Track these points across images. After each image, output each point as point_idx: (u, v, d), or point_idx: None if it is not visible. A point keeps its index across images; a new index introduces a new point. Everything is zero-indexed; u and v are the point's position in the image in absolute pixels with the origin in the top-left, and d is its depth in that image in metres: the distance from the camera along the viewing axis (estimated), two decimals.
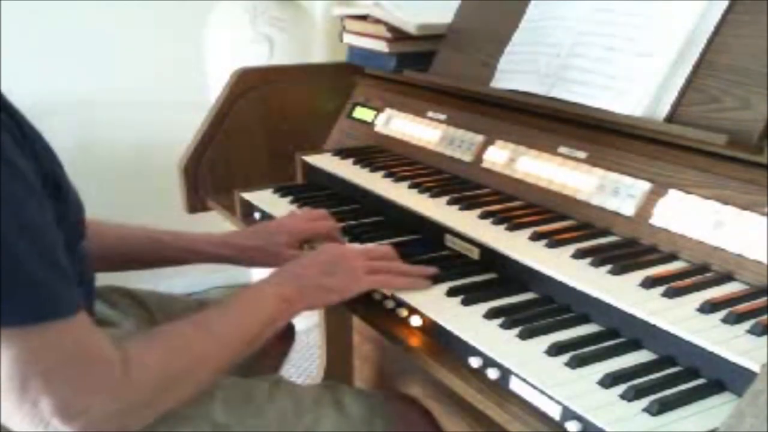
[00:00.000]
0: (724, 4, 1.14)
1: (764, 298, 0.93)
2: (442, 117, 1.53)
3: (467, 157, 1.43)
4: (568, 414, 0.82)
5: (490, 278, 1.13)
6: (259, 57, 2.44)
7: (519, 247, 1.11)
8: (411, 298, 1.07)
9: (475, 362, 0.94)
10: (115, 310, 1.24)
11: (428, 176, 1.43)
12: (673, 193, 1.09)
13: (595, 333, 0.97)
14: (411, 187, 1.38)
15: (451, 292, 1.07)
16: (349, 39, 1.77)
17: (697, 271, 1.01)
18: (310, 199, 1.47)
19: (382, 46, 1.65)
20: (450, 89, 1.54)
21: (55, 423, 0.78)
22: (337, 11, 1.81)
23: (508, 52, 1.45)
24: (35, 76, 2.46)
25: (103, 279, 1.14)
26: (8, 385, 0.76)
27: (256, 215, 1.49)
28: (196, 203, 1.70)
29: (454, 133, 1.48)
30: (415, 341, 1.03)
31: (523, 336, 0.95)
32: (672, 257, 1.06)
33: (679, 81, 1.16)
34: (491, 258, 1.14)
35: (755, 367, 0.79)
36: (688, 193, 1.08)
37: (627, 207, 1.14)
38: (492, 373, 0.92)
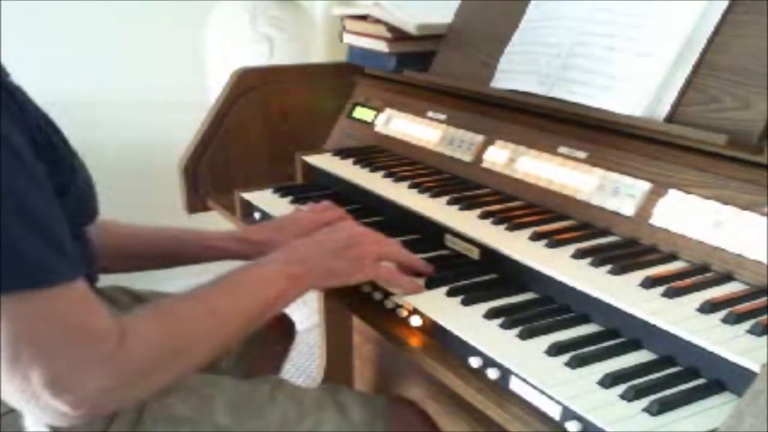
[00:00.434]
0: (724, 4, 1.14)
1: (764, 298, 0.93)
2: (442, 117, 1.53)
3: (467, 157, 1.43)
4: (568, 414, 0.82)
5: (490, 278, 1.13)
6: (259, 57, 2.44)
7: (519, 247, 1.11)
8: (411, 298, 1.06)
9: (475, 362, 0.94)
10: (117, 309, 1.24)
11: (428, 176, 1.43)
12: (673, 193, 1.09)
13: (595, 333, 0.97)
14: (411, 187, 1.38)
15: (451, 292, 1.07)
16: (349, 39, 1.77)
17: (697, 271, 1.01)
18: (310, 200, 1.47)
19: (382, 46, 1.65)
20: (450, 89, 1.54)
21: (45, 396, 0.77)
22: (337, 11, 1.81)
23: (508, 52, 1.45)
24: (35, 76, 2.46)
25: (105, 279, 1.14)
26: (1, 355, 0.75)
27: (256, 215, 1.49)
28: (196, 203, 1.70)
29: (454, 133, 1.48)
30: (415, 341, 1.03)
31: (523, 336, 0.95)
32: (672, 257, 1.06)
33: (679, 81, 1.16)
34: (491, 258, 1.14)
35: (755, 367, 0.79)
36: (688, 193, 1.08)
37: (627, 207, 1.14)
38: (492, 373, 0.92)
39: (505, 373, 0.90)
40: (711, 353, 0.85)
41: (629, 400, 0.82)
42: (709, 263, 1.02)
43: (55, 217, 0.80)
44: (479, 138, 1.43)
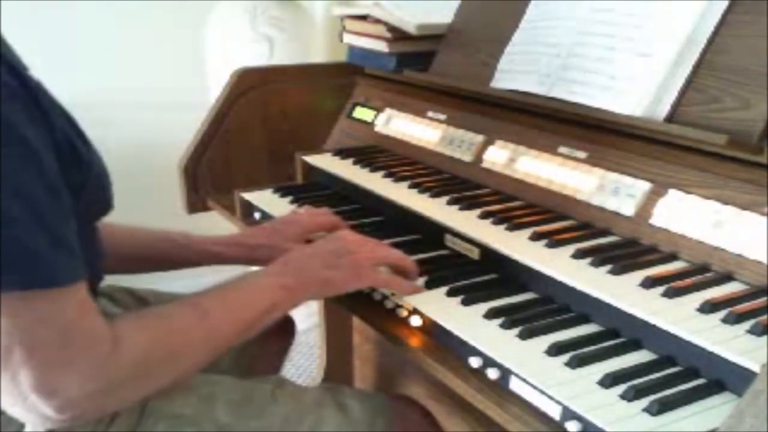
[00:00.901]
0: (724, 4, 1.14)
1: (764, 298, 0.93)
2: (442, 117, 1.53)
3: (467, 157, 1.43)
4: (568, 414, 0.82)
5: (490, 278, 1.13)
6: (259, 57, 2.44)
7: (519, 247, 1.11)
8: (411, 298, 1.06)
9: (475, 362, 0.94)
10: (119, 308, 1.24)
11: (428, 176, 1.43)
12: (673, 193, 1.09)
13: (595, 333, 0.97)
14: (411, 187, 1.38)
15: (451, 292, 1.07)
16: (349, 39, 1.77)
17: (697, 271, 1.01)
18: (310, 199, 1.47)
19: (382, 46, 1.65)
20: (450, 89, 1.54)
21: (32, 398, 0.77)
22: (337, 11, 1.81)
23: (508, 52, 1.45)
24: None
25: (106, 279, 1.13)
26: None
27: (256, 215, 1.49)
28: (196, 203, 1.70)
29: (454, 133, 1.48)
30: (415, 341, 1.03)
31: (523, 336, 0.95)
32: (672, 257, 1.06)
33: (679, 81, 1.16)
34: (491, 258, 1.14)
35: (755, 367, 0.79)
36: (688, 193, 1.08)
37: (627, 207, 1.14)
38: (492, 373, 0.92)
39: (505, 373, 0.90)
40: (711, 353, 0.85)
41: (629, 400, 0.82)
42: (709, 263, 1.02)
43: (66, 219, 0.81)
44: (479, 138, 1.43)
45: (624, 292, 0.96)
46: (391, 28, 1.62)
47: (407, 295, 1.07)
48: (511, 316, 0.99)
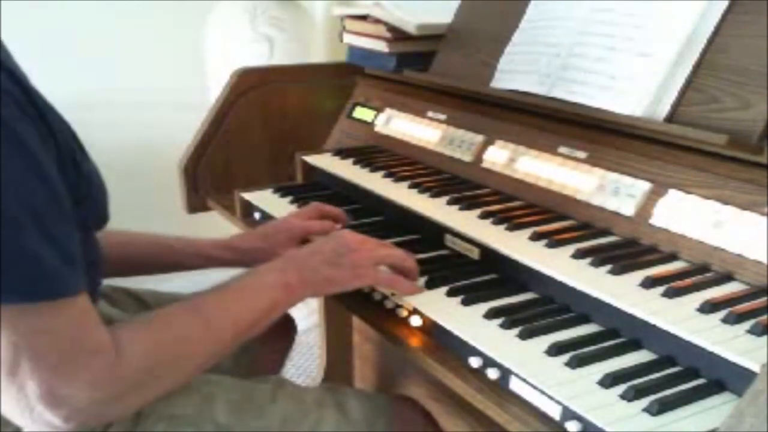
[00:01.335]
0: (724, 4, 1.14)
1: (764, 298, 0.93)
2: (442, 117, 1.53)
3: (467, 157, 1.43)
4: (568, 414, 0.82)
5: (490, 278, 1.13)
6: (259, 57, 2.44)
7: (519, 247, 1.11)
8: (411, 298, 1.06)
9: (475, 362, 0.94)
10: (117, 309, 1.24)
11: (428, 176, 1.43)
12: (673, 193, 1.09)
13: (595, 333, 0.97)
14: (411, 187, 1.38)
15: (451, 292, 1.07)
16: (349, 39, 1.77)
17: (697, 271, 1.01)
18: (310, 199, 1.46)
19: (382, 46, 1.65)
20: (450, 89, 1.54)
21: (39, 409, 0.78)
22: (337, 11, 1.81)
23: (508, 52, 1.45)
24: (35, 76, 2.46)
25: (105, 279, 1.14)
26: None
27: (256, 215, 1.49)
28: (196, 203, 1.70)
29: (454, 133, 1.48)
30: (415, 341, 1.03)
31: (523, 336, 0.95)
32: (672, 257, 1.06)
33: (679, 81, 1.16)
34: (491, 258, 1.14)
35: (755, 367, 0.79)
36: (688, 193, 1.08)
37: (627, 207, 1.14)
38: (492, 373, 0.92)
39: (505, 373, 0.90)
40: (711, 353, 0.85)
41: (629, 400, 0.82)
42: (709, 263, 1.02)
43: (70, 231, 0.81)
44: (479, 138, 1.43)
45: (624, 292, 0.96)
46: (391, 28, 1.62)
47: (408, 295, 1.07)
48: (511, 316, 0.99)
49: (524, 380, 0.87)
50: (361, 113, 1.72)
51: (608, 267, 1.03)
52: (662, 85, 1.16)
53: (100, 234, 1.08)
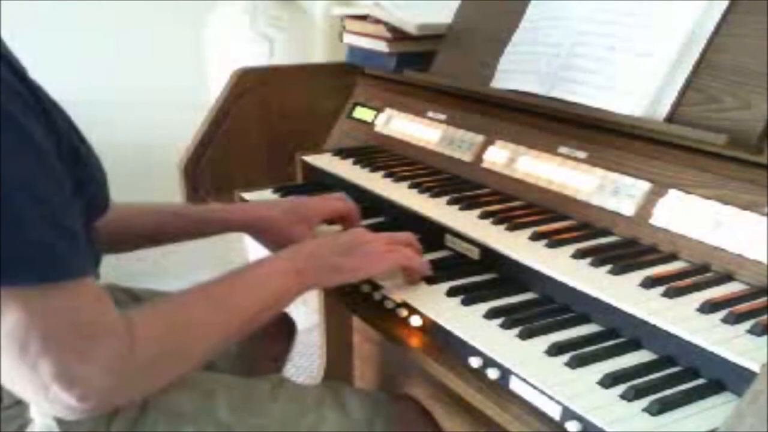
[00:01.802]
0: (724, 4, 1.14)
1: (764, 298, 0.93)
2: (442, 117, 1.53)
3: (467, 157, 1.43)
4: (568, 414, 0.82)
5: (490, 278, 1.13)
6: (258, 57, 2.44)
7: (519, 247, 1.11)
8: (411, 298, 1.06)
9: (475, 362, 0.94)
10: (118, 306, 1.24)
11: (428, 176, 1.43)
12: (673, 193, 1.09)
13: (595, 333, 0.97)
14: (411, 187, 1.38)
15: (451, 292, 1.07)
16: (349, 39, 1.77)
17: (697, 271, 1.01)
18: None
19: (382, 46, 1.65)
20: (450, 89, 1.54)
21: (54, 389, 0.78)
22: (337, 11, 1.81)
23: (508, 52, 1.45)
24: (35, 76, 2.46)
25: (102, 278, 1.13)
26: (9, 349, 0.76)
27: None
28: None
29: (454, 133, 1.48)
30: (415, 341, 1.03)
31: (523, 336, 0.95)
32: (672, 257, 1.06)
33: (679, 81, 1.16)
34: (491, 258, 1.14)
35: (755, 367, 0.79)
36: (688, 193, 1.08)
37: (627, 207, 1.14)
38: (492, 373, 0.92)
39: (505, 373, 0.90)
40: (711, 353, 0.85)
41: (629, 400, 0.82)
42: (709, 263, 1.02)
43: (73, 213, 0.81)
44: (479, 138, 1.43)
45: (624, 292, 0.97)
46: (391, 28, 1.62)
47: (422, 274, 1.08)
48: (511, 316, 0.99)
49: (524, 380, 0.87)
50: (361, 113, 1.72)
51: (608, 267, 1.03)
52: (662, 85, 1.16)
53: (122, 207, 1.09)
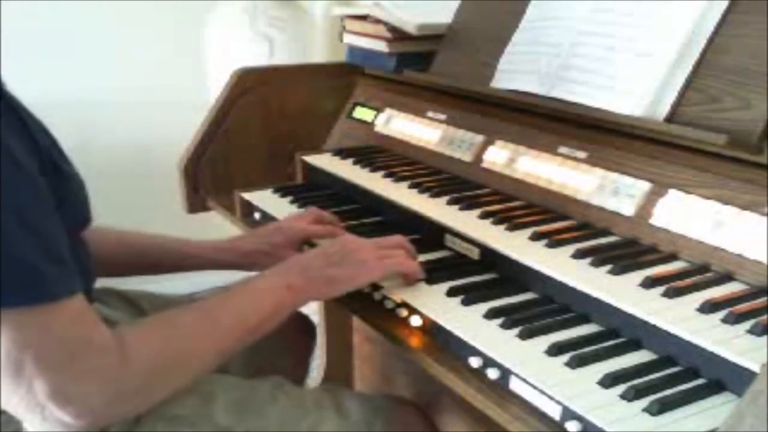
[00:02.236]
0: (724, 4, 1.14)
1: (764, 298, 0.93)
2: (442, 117, 1.53)
3: (467, 157, 1.43)
4: (568, 414, 0.82)
5: (490, 278, 1.13)
6: (258, 57, 2.44)
7: (519, 247, 1.11)
8: (411, 298, 1.06)
9: (475, 362, 0.94)
10: (108, 311, 1.24)
11: (428, 176, 1.43)
12: (673, 193, 1.09)
13: (595, 333, 0.97)
14: (411, 187, 1.38)
15: (451, 292, 1.07)
16: (349, 39, 1.77)
17: (697, 271, 1.01)
18: (310, 199, 1.47)
19: (382, 46, 1.65)
20: (450, 89, 1.54)
21: (50, 407, 0.78)
22: (337, 11, 1.81)
23: (508, 52, 1.45)
24: (35, 76, 2.47)
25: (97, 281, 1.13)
26: (4, 369, 0.77)
27: (256, 215, 1.49)
28: (196, 203, 1.70)
29: (454, 133, 1.48)
30: (415, 341, 1.03)
31: (523, 336, 0.95)
32: (672, 257, 1.06)
33: (679, 81, 1.16)
34: (491, 258, 1.14)
35: (755, 367, 0.79)
36: (688, 193, 1.08)
37: (627, 207, 1.14)
38: (492, 373, 0.91)
39: (505, 373, 0.90)
40: (711, 353, 0.85)
41: (629, 400, 0.82)
42: (709, 263, 1.02)
43: (57, 231, 0.82)
44: (479, 138, 1.43)
45: (624, 292, 0.96)
46: (391, 28, 1.62)
47: (414, 277, 1.08)
48: (511, 316, 0.99)
49: (524, 380, 0.87)
50: (361, 113, 1.72)
51: (608, 267, 1.03)
52: (662, 85, 1.16)
53: (98, 233, 1.09)
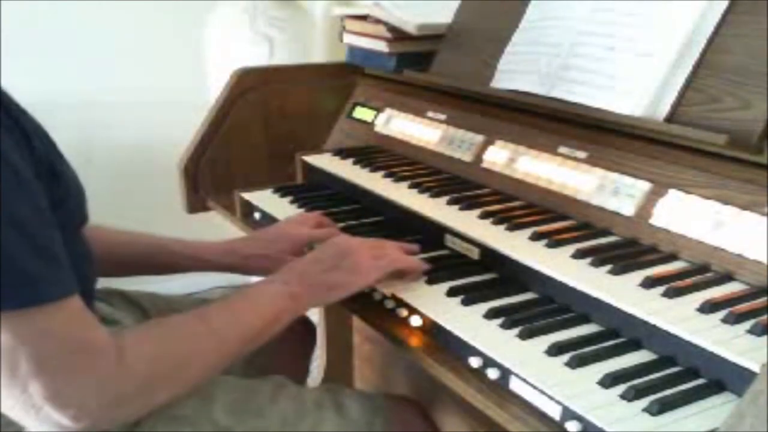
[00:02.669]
0: (724, 4, 1.14)
1: (764, 298, 0.93)
2: (442, 117, 1.53)
3: (467, 157, 1.43)
4: (568, 414, 0.82)
5: (490, 278, 1.13)
6: (259, 57, 2.44)
7: (519, 247, 1.11)
8: (411, 298, 1.06)
9: (475, 362, 0.94)
10: (111, 310, 1.24)
11: (428, 176, 1.43)
12: (673, 193, 1.09)
13: (595, 333, 0.97)
14: (411, 187, 1.38)
15: (451, 292, 1.07)
16: (349, 39, 1.77)
17: (697, 271, 1.01)
18: (310, 200, 1.47)
19: (382, 46, 1.65)
20: (450, 89, 1.54)
21: (47, 408, 0.78)
22: (337, 11, 1.81)
23: (508, 52, 1.45)
24: (35, 76, 2.47)
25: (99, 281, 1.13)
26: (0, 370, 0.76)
27: (256, 215, 1.49)
28: (196, 203, 1.70)
29: (454, 133, 1.48)
30: (415, 341, 1.03)
31: (523, 336, 0.95)
32: (672, 257, 1.06)
33: (679, 81, 1.16)
34: (491, 258, 1.14)
35: (755, 367, 0.79)
36: (688, 193, 1.08)
37: (627, 207, 1.14)
38: (492, 373, 0.92)
39: (505, 373, 0.90)
40: (711, 353, 0.85)
41: (629, 400, 0.82)
42: (709, 263, 1.02)
43: (53, 233, 0.81)
44: (479, 138, 1.43)
45: (624, 292, 0.96)
46: (391, 28, 1.62)
47: (414, 271, 1.09)
48: (511, 316, 0.99)
49: (524, 380, 0.87)
50: (361, 113, 1.72)
51: (608, 267, 1.03)
52: (662, 85, 1.16)
53: (97, 232, 1.08)
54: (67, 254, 0.83)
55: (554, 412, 0.84)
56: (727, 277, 0.99)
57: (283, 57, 2.47)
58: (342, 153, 1.59)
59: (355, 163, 1.53)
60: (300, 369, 1.49)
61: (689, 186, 1.08)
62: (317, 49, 2.72)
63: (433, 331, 1.02)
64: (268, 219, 1.43)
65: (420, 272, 1.11)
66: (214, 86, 2.26)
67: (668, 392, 0.83)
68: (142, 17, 2.64)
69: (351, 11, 1.77)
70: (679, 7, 1.17)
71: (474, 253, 1.18)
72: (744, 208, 1.01)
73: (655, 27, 1.19)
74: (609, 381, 0.85)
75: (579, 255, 1.07)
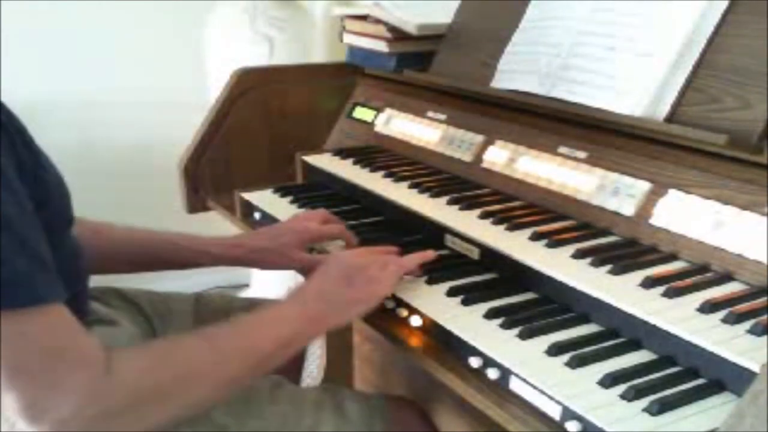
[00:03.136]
0: (724, 4, 1.14)
1: (764, 298, 0.93)
2: (442, 117, 1.53)
3: (467, 157, 1.43)
4: (568, 414, 0.82)
5: (490, 278, 1.13)
6: (259, 57, 2.44)
7: (519, 247, 1.11)
8: (411, 298, 1.07)
9: (475, 362, 0.94)
10: (111, 309, 1.23)
11: (428, 176, 1.43)
12: (673, 193, 1.09)
13: (595, 333, 0.97)
14: (411, 187, 1.38)
15: (451, 292, 1.07)
16: (349, 39, 1.77)
17: (697, 271, 1.01)
18: (310, 199, 1.47)
19: (382, 46, 1.65)
20: (450, 89, 1.54)
21: (20, 425, 0.74)
22: (337, 11, 1.81)
23: (508, 52, 1.45)
24: (35, 76, 2.47)
25: (95, 280, 1.12)
26: None
27: (256, 215, 1.49)
28: (196, 203, 1.70)
29: (454, 133, 1.48)
30: (415, 341, 1.03)
31: (523, 336, 0.95)
32: (672, 257, 1.06)
33: (679, 81, 1.16)
34: (491, 258, 1.14)
35: (755, 367, 0.79)
36: (688, 193, 1.08)
37: (627, 207, 1.14)
38: (492, 373, 0.92)
39: (505, 373, 0.90)
40: (711, 353, 0.85)
41: (629, 400, 0.82)
42: (709, 263, 1.02)
43: (39, 238, 0.79)
44: (479, 138, 1.43)
45: (624, 292, 0.96)
46: (391, 28, 1.63)
47: (428, 258, 1.09)
48: (511, 316, 0.99)
49: (524, 380, 0.87)
50: (361, 113, 1.72)
51: (608, 267, 1.03)
52: (662, 85, 1.16)
53: (104, 229, 1.07)
54: (53, 256, 0.80)
55: (554, 412, 0.84)
56: (727, 277, 0.99)
57: (283, 57, 2.47)
58: (342, 153, 1.59)
59: (355, 163, 1.53)
60: (294, 367, 1.48)
61: (689, 186, 1.08)
62: (317, 49, 2.72)
63: (433, 331, 1.02)
64: (268, 219, 1.43)
65: (431, 257, 1.11)
66: (214, 86, 2.26)
67: (668, 392, 0.83)
68: (142, 17, 2.64)
69: (351, 11, 1.77)
70: (679, 7, 1.17)
71: (474, 253, 1.18)
72: (744, 208, 1.01)
73: (655, 27, 1.19)
74: (609, 381, 0.85)
75: (579, 255, 1.07)
